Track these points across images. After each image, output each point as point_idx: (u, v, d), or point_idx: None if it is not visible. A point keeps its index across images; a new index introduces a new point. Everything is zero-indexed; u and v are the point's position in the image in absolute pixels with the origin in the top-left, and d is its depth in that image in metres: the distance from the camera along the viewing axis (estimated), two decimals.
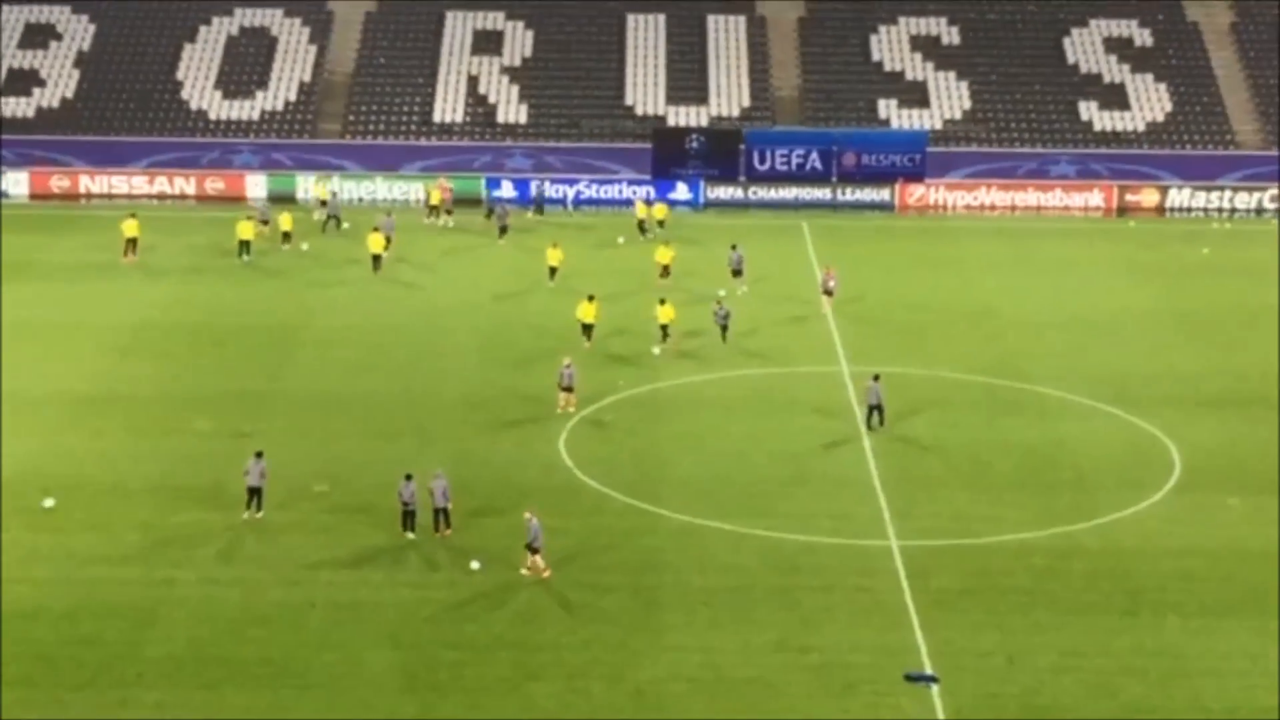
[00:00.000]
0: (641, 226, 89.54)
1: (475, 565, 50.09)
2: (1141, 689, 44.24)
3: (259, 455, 54.21)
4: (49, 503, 54.14)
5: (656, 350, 68.70)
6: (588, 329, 69.62)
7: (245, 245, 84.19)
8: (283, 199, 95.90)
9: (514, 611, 47.85)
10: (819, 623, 47.52)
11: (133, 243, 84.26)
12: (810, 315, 74.49)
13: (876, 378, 62.46)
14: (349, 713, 42.58)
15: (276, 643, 45.95)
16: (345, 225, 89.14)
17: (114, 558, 50.95)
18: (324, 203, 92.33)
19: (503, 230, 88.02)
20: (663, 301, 70.78)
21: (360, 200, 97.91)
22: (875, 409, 61.81)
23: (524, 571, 49.77)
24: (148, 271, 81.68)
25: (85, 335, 71.47)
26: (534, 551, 49.68)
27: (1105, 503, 55.95)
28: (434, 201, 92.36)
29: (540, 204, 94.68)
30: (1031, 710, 43.14)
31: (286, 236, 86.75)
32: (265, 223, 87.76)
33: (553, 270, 79.24)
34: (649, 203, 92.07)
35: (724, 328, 70.35)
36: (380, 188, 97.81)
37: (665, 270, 79.25)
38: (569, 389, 62.49)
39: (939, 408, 64.12)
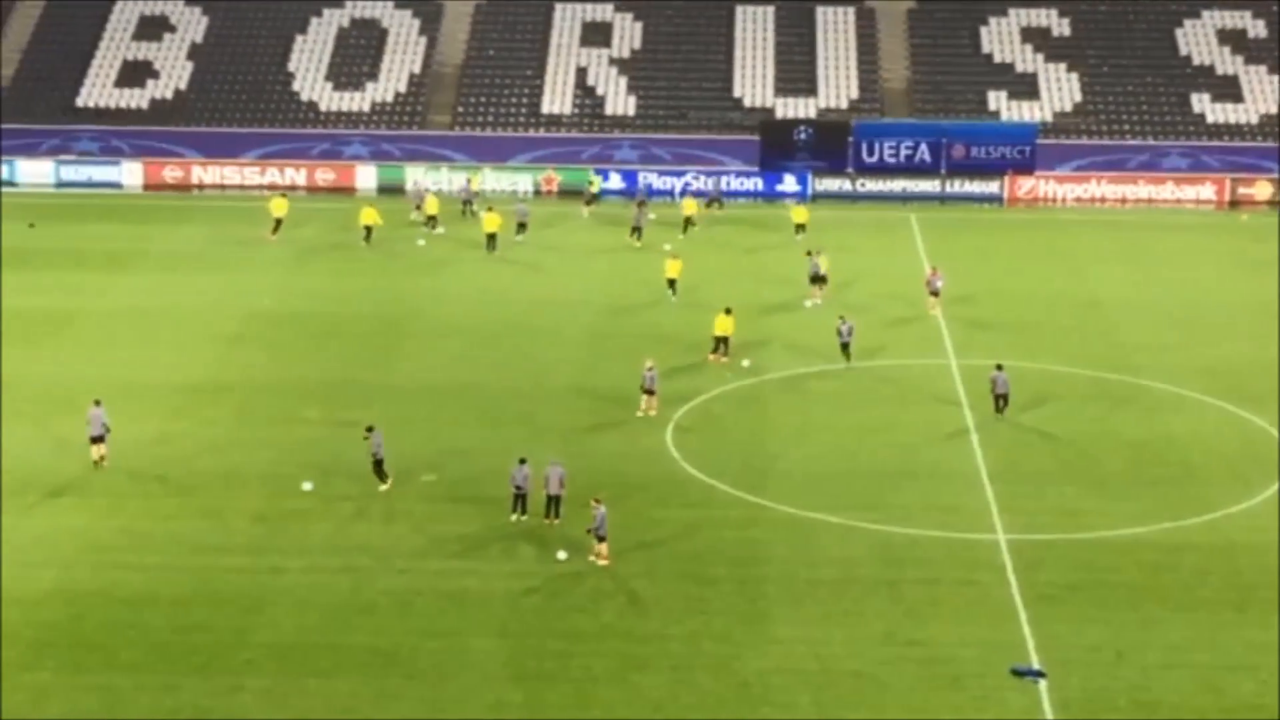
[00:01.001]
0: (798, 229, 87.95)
1: (562, 555, 50.18)
2: (1251, 686, 43.82)
3: (371, 429, 55.61)
4: (308, 486, 55.02)
5: (746, 363, 67.29)
6: (722, 341, 67.23)
7: (368, 230, 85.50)
8: (392, 190, 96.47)
9: (621, 602, 47.96)
10: (926, 616, 47.37)
11: (279, 222, 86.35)
12: (918, 311, 74.05)
13: (1000, 367, 62.19)
14: (455, 701, 42.79)
15: (384, 631, 46.25)
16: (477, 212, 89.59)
17: (224, 545, 51.44)
18: (470, 197, 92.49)
19: (635, 231, 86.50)
20: (728, 311, 67.87)
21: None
22: (1000, 397, 61.58)
23: (591, 558, 49.93)
24: (258, 261, 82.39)
25: (197, 324, 72.16)
26: (600, 539, 49.82)
27: (1215, 497, 55.47)
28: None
29: (718, 198, 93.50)
30: (1140, 706, 42.83)
31: (432, 220, 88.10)
32: (418, 207, 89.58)
33: (671, 282, 75.79)
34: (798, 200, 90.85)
35: (846, 345, 67.00)
36: (489, 179, 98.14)
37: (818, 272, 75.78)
38: (650, 392, 61.71)
39: (1048, 401, 63.74)
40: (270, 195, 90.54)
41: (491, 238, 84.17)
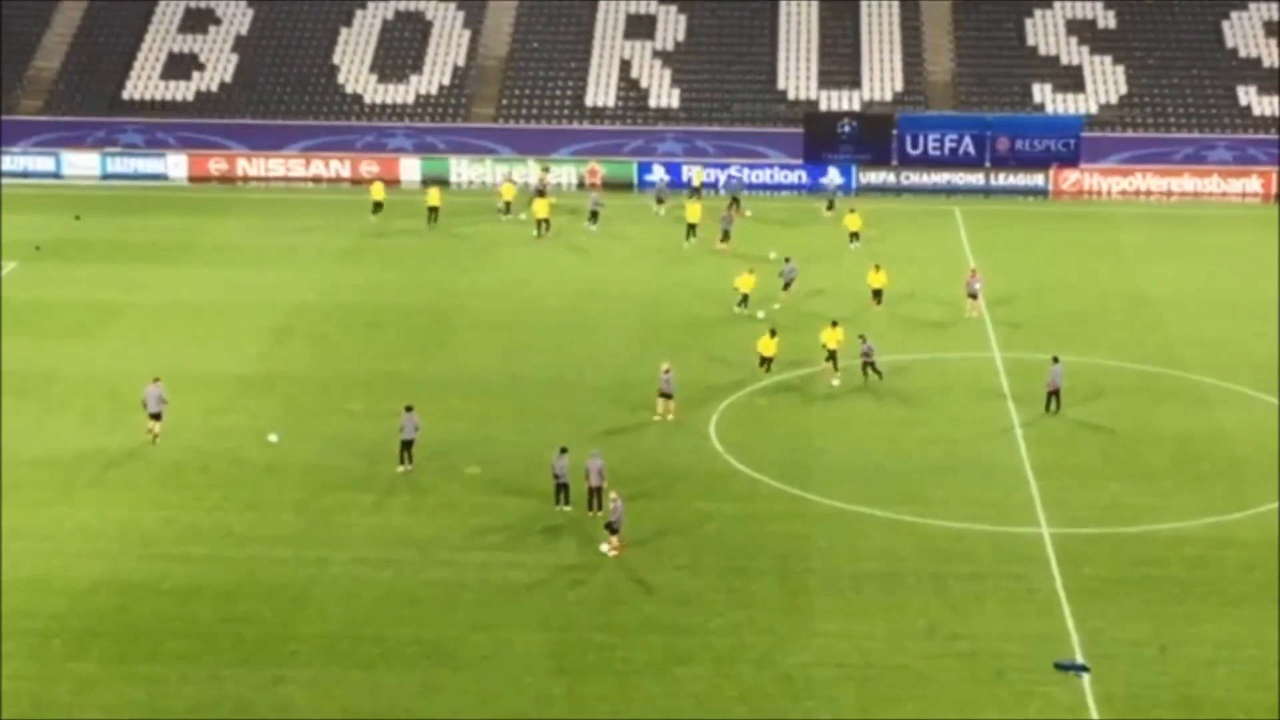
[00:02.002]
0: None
1: (604, 549, 50.25)
2: None
3: (409, 409, 56.30)
4: (273, 438, 56.85)
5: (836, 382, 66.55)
6: (766, 361, 65.08)
7: (507, 205, 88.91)
8: (437, 182, 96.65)
9: (664, 595, 48.00)
10: (969, 610, 47.30)
11: (379, 205, 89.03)
12: (961, 306, 73.77)
13: (1056, 360, 62.00)
14: (498, 694, 42.89)
15: (428, 623, 46.38)
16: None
17: (270, 537, 51.64)
18: (543, 187, 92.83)
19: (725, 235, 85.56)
20: (773, 333, 65.40)
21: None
22: (1054, 394, 61.37)
23: (603, 548, 50.04)
24: (303, 254, 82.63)
25: (243, 317, 72.42)
26: (613, 531, 49.88)
27: (1261, 492, 55.26)
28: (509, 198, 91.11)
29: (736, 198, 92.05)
30: (1184, 701, 42.72)
31: (508, 206, 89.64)
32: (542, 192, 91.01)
33: (744, 298, 73.17)
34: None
35: (870, 364, 64.43)
36: (533, 171, 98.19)
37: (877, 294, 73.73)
38: (667, 395, 60.90)
39: (1094, 395, 63.55)
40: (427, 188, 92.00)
41: (541, 223, 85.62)
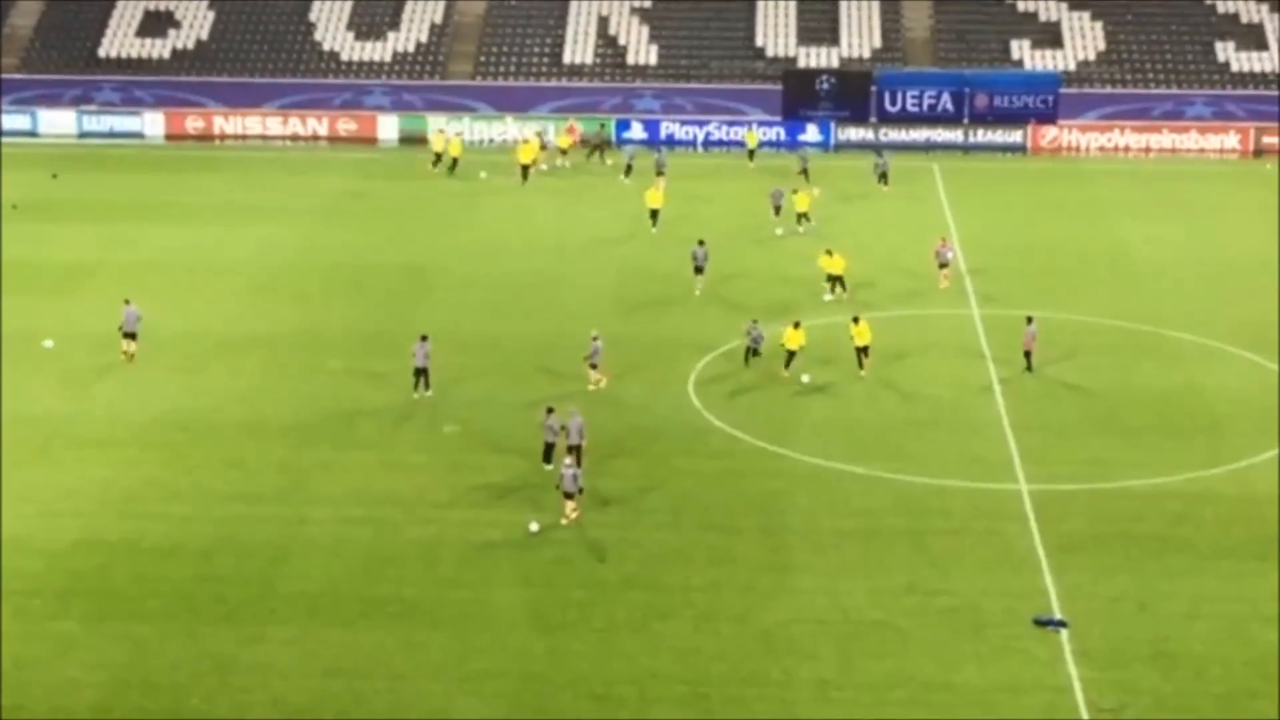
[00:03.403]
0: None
1: (534, 528, 49.22)
2: (1275, 636, 43.76)
3: (424, 338, 58.27)
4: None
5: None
6: (791, 355, 61.02)
7: (525, 170, 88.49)
8: (415, 140, 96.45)
9: (644, 552, 48.06)
10: (948, 566, 47.43)
11: (439, 157, 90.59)
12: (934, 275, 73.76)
13: (1030, 320, 62.00)
14: (479, 651, 42.92)
15: (408, 581, 46.41)
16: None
17: (250, 496, 51.62)
18: (600, 143, 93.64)
19: (629, 170, 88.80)
20: (798, 330, 61.75)
21: (490, 141, 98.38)
22: (1027, 354, 61.43)
23: (562, 520, 49.45)
24: (283, 212, 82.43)
25: (222, 275, 72.28)
26: (567, 496, 49.32)
27: (1241, 448, 55.43)
28: (564, 146, 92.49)
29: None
30: (1162, 656, 42.86)
31: (564, 153, 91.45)
32: (544, 148, 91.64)
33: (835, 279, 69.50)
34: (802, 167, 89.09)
35: (754, 350, 61.87)
36: (511, 128, 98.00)
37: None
38: (594, 365, 59.62)
39: (1073, 352, 63.66)
40: (518, 143, 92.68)
41: (525, 169, 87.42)
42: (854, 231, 77.95)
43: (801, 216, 79.06)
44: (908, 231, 78.99)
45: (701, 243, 70.44)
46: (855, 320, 61.58)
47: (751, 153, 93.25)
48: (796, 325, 61.25)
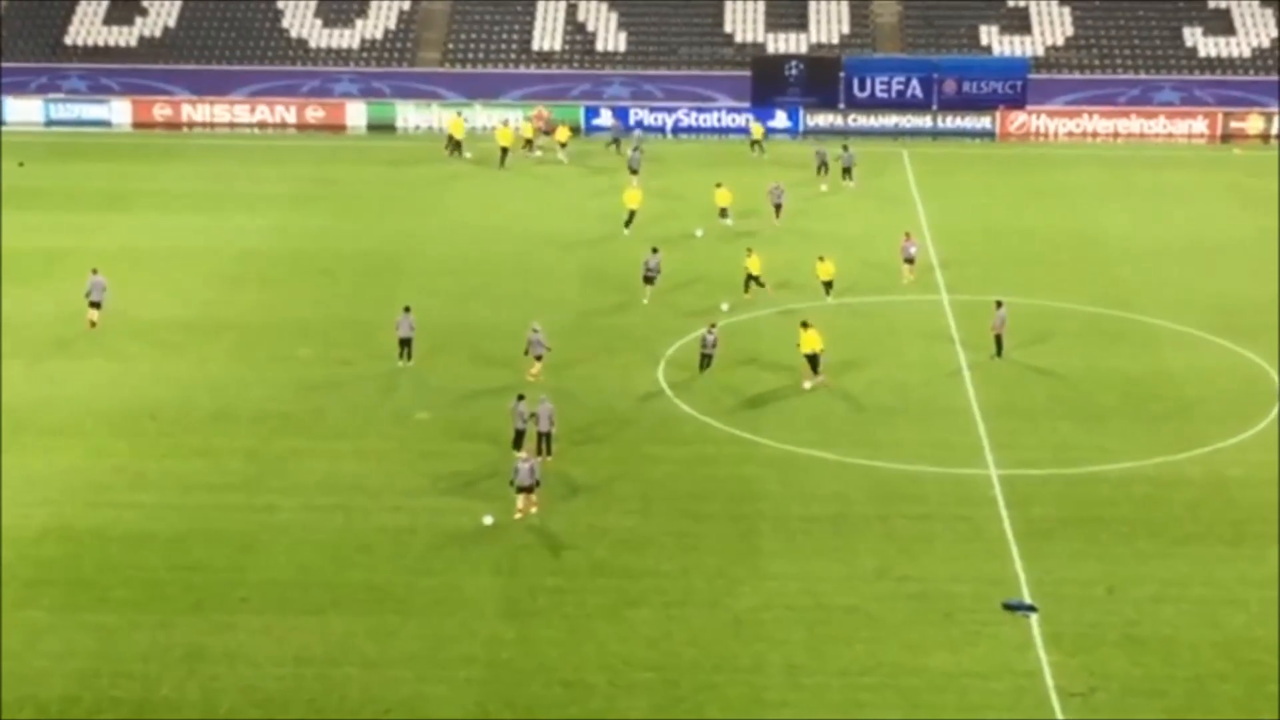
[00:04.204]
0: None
1: (488, 520, 48.86)
2: (1244, 619, 44.01)
3: (407, 310, 60.07)
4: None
5: (725, 306, 66.22)
6: (813, 361, 58.60)
7: (504, 152, 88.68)
8: (383, 128, 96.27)
9: (614, 539, 48.06)
10: (918, 552, 47.51)
11: (458, 144, 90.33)
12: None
13: (1000, 304, 62.01)
14: (450, 638, 42.92)
15: (378, 569, 46.37)
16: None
17: (219, 484, 51.51)
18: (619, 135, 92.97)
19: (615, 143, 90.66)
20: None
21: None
22: (998, 337, 61.38)
23: (517, 515, 48.90)
24: (251, 200, 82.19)
25: (191, 263, 72.06)
26: (520, 490, 48.66)
27: (1209, 432, 55.59)
28: (528, 135, 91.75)
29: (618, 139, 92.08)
30: (1131, 640, 43.00)
31: (563, 145, 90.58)
32: (549, 132, 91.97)
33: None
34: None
35: (708, 357, 59.44)
36: (480, 115, 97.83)
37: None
38: (538, 357, 58.71)
39: (1042, 337, 63.76)
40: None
41: (505, 151, 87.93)
42: (823, 217, 77.88)
43: (722, 212, 77.69)
44: (876, 218, 78.99)
45: (655, 250, 68.01)
46: (805, 325, 58.56)
47: (755, 143, 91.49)
48: (805, 325, 58.60)
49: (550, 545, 47.72)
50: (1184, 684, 41.30)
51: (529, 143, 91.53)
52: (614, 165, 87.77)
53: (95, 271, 64.11)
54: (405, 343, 60.20)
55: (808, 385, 58.45)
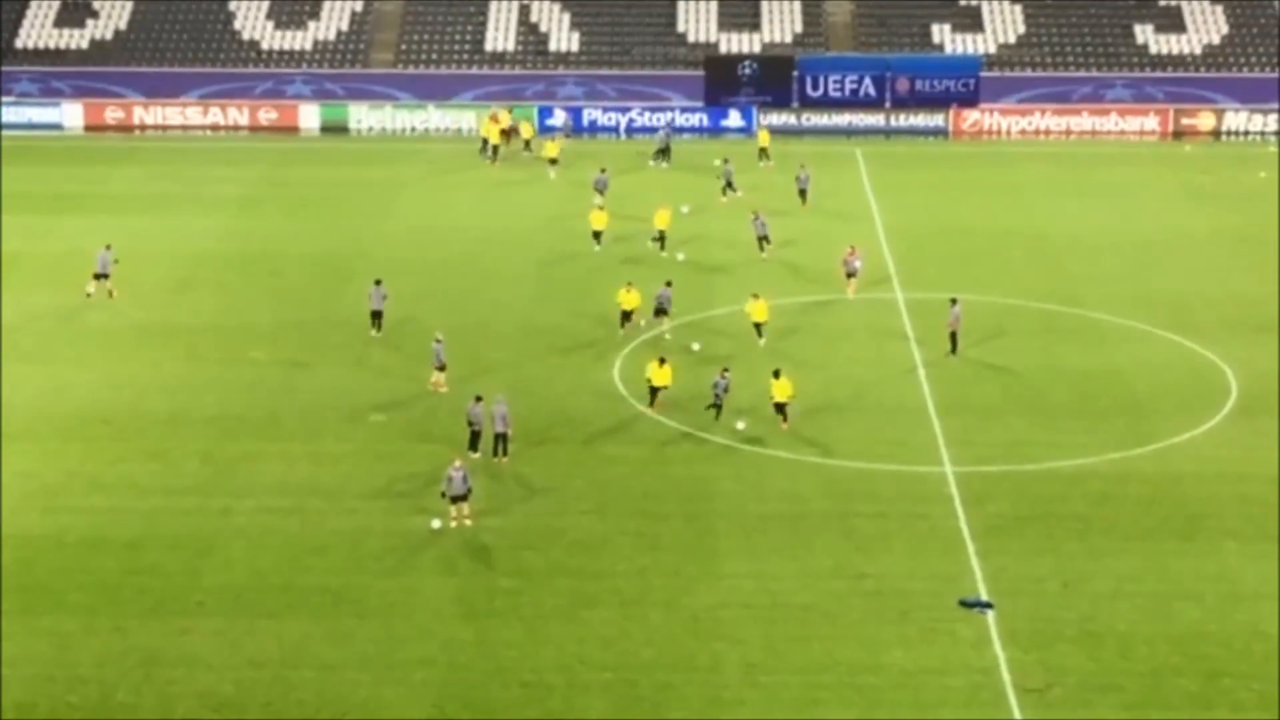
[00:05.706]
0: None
1: (435, 525, 48.45)
2: (1198, 614, 44.22)
3: (378, 282, 63.48)
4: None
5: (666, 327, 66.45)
6: (780, 409, 55.78)
7: (486, 144, 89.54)
8: (337, 129, 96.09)
9: (571, 540, 48.05)
10: (874, 549, 47.60)
11: (488, 144, 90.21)
12: (864, 246, 73.75)
13: (954, 301, 62.12)
14: (406, 640, 42.85)
15: (334, 571, 46.27)
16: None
17: (173, 487, 51.33)
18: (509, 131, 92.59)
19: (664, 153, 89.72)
20: (661, 361, 57.81)
21: (412, 130, 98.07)
22: (953, 335, 61.47)
23: (434, 523, 48.61)
24: (203, 202, 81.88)
25: (143, 266, 71.61)
26: (456, 500, 48.38)
27: (1162, 428, 55.82)
28: (495, 140, 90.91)
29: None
30: (1087, 635, 43.15)
31: (527, 144, 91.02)
32: (509, 133, 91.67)
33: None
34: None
35: (718, 405, 56.41)
36: (433, 117, 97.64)
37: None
38: (440, 367, 58.08)
39: (995, 334, 63.94)
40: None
41: (490, 145, 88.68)
42: (777, 212, 77.93)
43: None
44: (830, 216, 79.05)
45: (669, 283, 64.81)
46: (776, 375, 55.85)
47: (763, 150, 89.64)
48: (777, 374, 55.89)
49: (507, 546, 47.67)
50: (1140, 679, 41.46)
51: (495, 149, 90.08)
52: (566, 168, 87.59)
53: (108, 248, 67.56)
54: (376, 315, 63.08)
55: (785, 427, 55.77)
